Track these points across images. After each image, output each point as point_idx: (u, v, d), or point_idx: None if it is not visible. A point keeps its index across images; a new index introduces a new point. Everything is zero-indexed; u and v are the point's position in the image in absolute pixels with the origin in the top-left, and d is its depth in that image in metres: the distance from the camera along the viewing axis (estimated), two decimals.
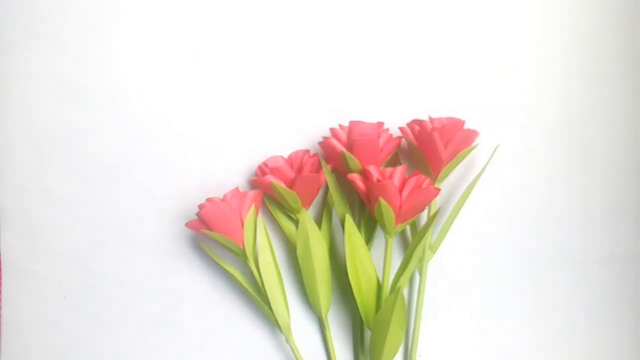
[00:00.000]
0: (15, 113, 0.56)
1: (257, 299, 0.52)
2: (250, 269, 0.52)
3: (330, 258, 0.52)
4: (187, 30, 0.56)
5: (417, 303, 0.52)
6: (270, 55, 0.56)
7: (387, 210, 0.48)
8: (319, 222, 0.54)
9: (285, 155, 0.53)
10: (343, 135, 0.51)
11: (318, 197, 0.54)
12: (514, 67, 0.56)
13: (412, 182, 0.48)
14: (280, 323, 0.51)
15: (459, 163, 0.51)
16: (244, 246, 0.51)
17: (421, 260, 0.52)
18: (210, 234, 0.50)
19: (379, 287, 0.50)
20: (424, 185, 0.48)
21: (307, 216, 0.51)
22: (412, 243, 0.50)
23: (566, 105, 0.56)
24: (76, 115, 0.56)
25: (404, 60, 0.56)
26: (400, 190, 0.48)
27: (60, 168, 0.55)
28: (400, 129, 0.52)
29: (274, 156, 0.53)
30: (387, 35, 0.56)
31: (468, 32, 0.56)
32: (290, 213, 0.53)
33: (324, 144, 0.52)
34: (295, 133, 0.55)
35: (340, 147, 0.50)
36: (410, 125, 0.51)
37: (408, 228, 0.54)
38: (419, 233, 0.49)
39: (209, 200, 0.51)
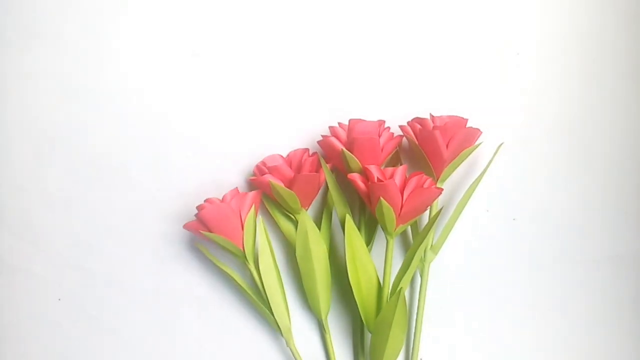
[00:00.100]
0: (15, 113, 0.56)
1: (256, 301, 0.51)
2: (249, 271, 0.51)
3: (330, 259, 0.52)
4: (187, 30, 0.56)
5: (419, 305, 0.52)
6: (270, 55, 0.56)
7: (388, 210, 0.47)
8: (318, 222, 0.54)
9: (284, 155, 0.53)
10: (343, 134, 0.51)
11: (318, 197, 0.54)
12: (514, 67, 0.56)
13: (413, 181, 0.48)
14: (280, 326, 0.51)
15: (461, 162, 0.51)
16: (243, 248, 0.50)
17: (422, 262, 0.52)
18: (210, 236, 0.50)
19: (380, 289, 0.50)
20: (426, 185, 0.48)
21: (307, 216, 0.51)
22: (414, 244, 0.50)
23: (566, 105, 0.56)
24: (76, 115, 0.56)
25: (404, 59, 0.56)
26: (402, 190, 0.48)
27: (60, 168, 0.55)
28: (401, 127, 0.52)
29: (272, 155, 0.53)
30: (388, 34, 0.56)
31: (468, 32, 0.56)
32: (289, 213, 0.53)
33: (324, 142, 0.52)
34: (294, 132, 0.55)
35: (340, 146, 0.50)
36: (411, 123, 0.51)
37: (409, 228, 0.54)
38: (421, 234, 0.49)
39: (207, 200, 0.51)
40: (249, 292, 0.51)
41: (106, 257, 0.55)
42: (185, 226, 0.51)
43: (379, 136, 0.50)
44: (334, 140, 0.51)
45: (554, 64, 0.56)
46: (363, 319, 0.50)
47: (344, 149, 0.49)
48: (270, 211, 0.53)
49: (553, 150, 0.55)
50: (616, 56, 0.56)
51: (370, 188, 0.48)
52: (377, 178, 0.48)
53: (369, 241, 0.53)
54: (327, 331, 0.52)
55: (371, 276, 0.50)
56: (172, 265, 0.54)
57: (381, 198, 0.47)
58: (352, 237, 0.50)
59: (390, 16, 0.56)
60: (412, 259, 0.49)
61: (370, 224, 0.53)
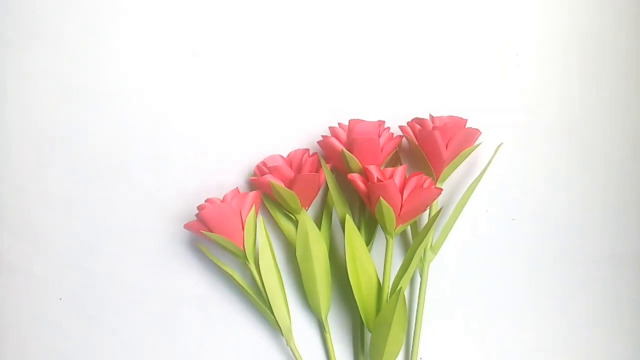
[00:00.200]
0: (15, 113, 0.56)
1: (257, 301, 0.51)
2: (250, 270, 0.51)
3: (330, 259, 0.52)
4: (187, 30, 0.56)
5: (418, 304, 0.52)
6: (270, 55, 0.56)
7: (387, 210, 0.47)
8: (318, 222, 0.54)
9: (285, 155, 0.53)
10: (343, 134, 0.51)
11: (318, 197, 0.54)
12: (514, 67, 0.56)
13: (413, 182, 0.48)
14: (281, 325, 0.51)
15: (461, 162, 0.51)
16: (244, 248, 0.50)
17: (422, 261, 0.52)
18: (210, 236, 0.50)
19: (380, 289, 0.50)
20: (425, 185, 0.48)
21: (307, 216, 0.51)
22: (413, 244, 0.50)
23: (566, 105, 0.56)
24: (76, 115, 0.56)
25: (404, 59, 0.56)
26: (401, 190, 0.48)
27: (60, 168, 0.55)
28: (401, 127, 0.52)
29: (272, 155, 0.53)
30: (387, 35, 0.56)
31: (468, 32, 0.56)
32: (289, 213, 0.53)
33: (324, 143, 0.52)
34: (294, 132, 0.55)
35: (340, 146, 0.50)
36: (411, 124, 0.51)
37: (409, 228, 0.54)
38: (420, 234, 0.49)
39: (208, 200, 0.51)
40: (250, 291, 0.51)
41: (106, 257, 0.55)
42: (186, 226, 0.51)
43: (379, 136, 0.50)
44: (334, 140, 0.51)
45: (554, 64, 0.56)
46: (363, 318, 0.50)
47: (344, 149, 0.50)
48: (271, 211, 0.53)
49: (553, 150, 0.55)
50: (616, 56, 0.56)
51: (370, 188, 0.48)
52: (377, 178, 0.48)
53: (369, 241, 0.53)
54: (327, 330, 0.52)
55: (371, 276, 0.50)
56: (173, 265, 0.54)
57: (381, 198, 0.47)
58: (352, 237, 0.50)
59: (390, 16, 0.56)
60: (411, 258, 0.49)
61: (370, 224, 0.53)
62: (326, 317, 0.52)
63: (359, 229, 0.52)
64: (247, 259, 0.51)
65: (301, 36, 0.56)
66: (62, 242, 0.55)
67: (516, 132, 0.55)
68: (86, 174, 0.55)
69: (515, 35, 0.56)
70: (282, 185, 0.50)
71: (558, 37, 0.56)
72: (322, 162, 0.51)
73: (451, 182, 0.54)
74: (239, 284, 0.52)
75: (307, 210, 0.53)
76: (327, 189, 0.53)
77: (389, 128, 0.52)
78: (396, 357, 0.49)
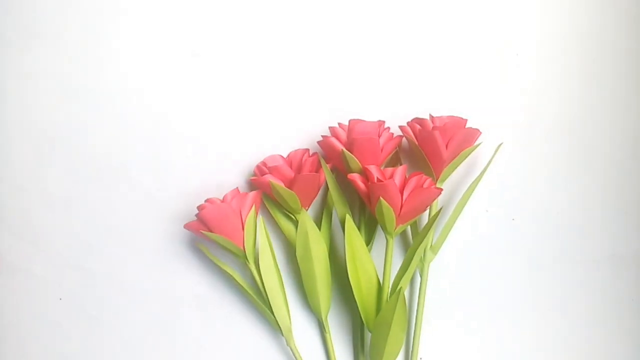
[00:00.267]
0: (15, 113, 0.56)
1: (257, 301, 0.51)
2: (250, 270, 0.51)
3: (330, 259, 0.52)
4: (187, 30, 0.56)
5: (418, 304, 0.52)
6: (270, 55, 0.56)
7: (387, 210, 0.47)
8: (318, 222, 0.54)
9: (285, 155, 0.53)
10: (343, 134, 0.51)
11: (318, 197, 0.54)
12: (514, 67, 0.56)
13: (413, 182, 0.48)
14: (281, 325, 0.51)
15: (461, 162, 0.51)
16: (244, 248, 0.50)
17: (422, 261, 0.52)
18: (210, 236, 0.50)
19: (380, 289, 0.50)
20: (425, 185, 0.48)
21: (307, 216, 0.51)
22: (413, 244, 0.50)
23: (566, 105, 0.56)
24: (76, 115, 0.56)
25: (404, 59, 0.56)
26: (401, 190, 0.48)
27: (60, 168, 0.55)
28: (401, 127, 0.52)
29: (272, 155, 0.53)
30: (387, 35, 0.56)
31: (468, 32, 0.56)
32: (289, 213, 0.53)
33: (324, 143, 0.52)
34: (294, 132, 0.55)
35: (340, 146, 0.50)
36: (411, 124, 0.51)
37: (409, 228, 0.54)
38: (420, 234, 0.49)
39: (208, 200, 0.51)
40: (250, 291, 0.51)
41: (106, 257, 0.55)
42: (186, 226, 0.51)
43: (379, 136, 0.50)
44: (334, 140, 0.51)
45: (554, 64, 0.56)
46: (363, 318, 0.50)
47: (344, 149, 0.50)
48: (271, 211, 0.53)
49: (553, 150, 0.55)
50: (616, 56, 0.56)
51: (370, 188, 0.48)
52: (377, 178, 0.48)
53: (369, 241, 0.53)
54: (327, 330, 0.52)
55: (371, 276, 0.50)
56: (173, 265, 0.54)
57: (381, 198, 0.47)
58: (352, 237, 0.50)
59: (390, 16, 0.56)
60: (411, 258, 0.49)
61: (370, 224, 0.53)
62: (326, 317, 0.52)
63: (359, 229, 0.52)
64: (247, 259, 0.51)
65: (301, 36, 0.56)
66: (62, 242, 0.55)
67: (516, 132, 0.55)
68: (86, 174, 0.55)
69: (515, 35, 0.56)
70: (282, 185, 0.50)
71: (558, 37, 0.56)
72: (322, 162, 0.51)
73: (451, 182, 0.54)
74: (239, 284, 0.52)
75: (307, 210, 0.53)
76: (327, 189, 0.53)
77: (389, 128, 0.52)
78: (396, 357, 0.49)
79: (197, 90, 0.56)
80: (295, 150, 0.53)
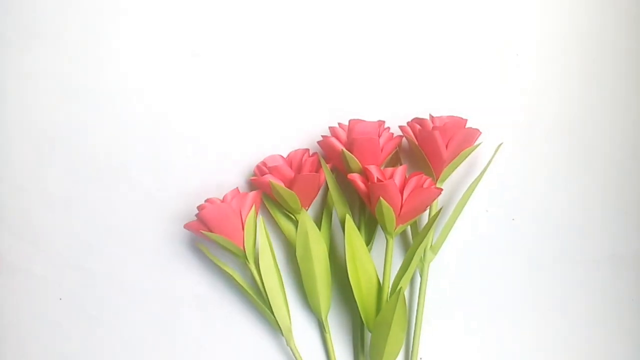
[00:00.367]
0: (15, 113, 0.56)
1: (257, 301, 0.51)
2: (250, 270, 0.51)
3: (330, 259, 0.52)
4: (187, 30, 0.56)
5: (418, 304, 0.52)
6: (270, 55, 0.56)
7: (387, 210, 0.47)
8: (318, 222, 0.54)
9: (285, 155, 0.53)
10: (343, 134, 0.51)
11: (318, 197, 0.54)
12: (514, 67, 0.56)
13: (413, 182, 0.48)
14: (281, 325, 0.51)
15: (461, 162, 0.51)
16: (244, 248, 0.50)
17: (422, 261, 0.52)
18: (210, 236, 0.50)
19: (380, 289, 0.50)
20: (425, 185, 0.48)
21: (307, 216, 0.51)
22: (413, 244, 0.50)
23: (566, 105, 0.56)
24: (76, 115, 0.56)
25: (404, 59, 0.56)
26: (401, 190, 0.48)
27: (60, 168, 0.55)
28: (401, 127, 0.52)
29: (272, 155, 0.53)
30: (387, 35, 0.56)
31: (468, 32, 0.56)
32: (289, 213, 0.53)
33: (324, 143, 0.52)
34: (294, 132, 0.55)
35: (340, 146, 0.50)
36: (411, 124, 0.51)
37: (409, 228, 0.54)
38: (420, 234, 0.49)
39: (208, 200, 0.51)
40: (250, 291, 0.51)
41: (106, 257, 0.55)
42: (186, 226, 0.51)
43: (379, 136, 0.50)
44: (334, 140, 0.51)
45: (554, 64, 0.56)
46: (363, 318, 0.50)
47: (344, 149, 0.50)
48: (271, 211, 0.53)
49: (553, 150, 0.55)
50: (616, 56, 0.56)
51: (370, 188, 0.48)
52: (377, 178, 0.48)
53: (369, 241, 0.53)
54: (327, 330, 0.52)
55: (371, 276, 0.50)
56: (173, 265, 0.54)
57: (381, 198, 0.47)
58: (352, 237, 0.50)
59: (390, 16, 0.56)
60: (411, 258, 0.49)
61: (370, 224, 0.53)
62: (326, 317, 0.52)
63: (359, 229, 0.52)
64: (247, 259, 0.51)
65: (301, 36, 0.56)
66: (62, 242, 0.55)
67: (516, 132, 0.55)
68: (86, 174, 0.55)
69: (515, 35, 0.56)
70: (282, 185, 0.50)
71: (558, 37, 0.56)
72: (322, 162, 0.51)
73: (451, 182, 0.54)
74: (239, 284, 0.52)
75: (307, 210, 0.53)
76: (327, 189, 0.53)
77: (389, 128, 0.52)
78: (396, 357, 0.49)
79: (197, 90, 0.56)
80: (295, 150, 0.53)
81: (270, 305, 0.51)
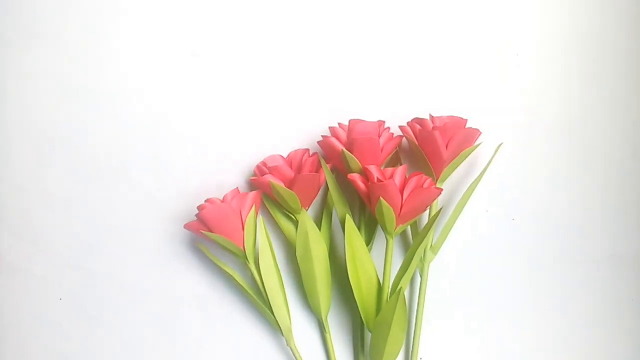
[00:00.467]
0: (15, 113, 0.56)
1: (257, 301, 0.51)
2: (250, 270, 0.51)
3: (330, 259, 0.52)
4: (187, 30, 0.56)
5: (418, 304, 0.52)
6: (270, 55, 0.56)
7: (387, 210, 0.47)
8: (318, 222, 0.54)
9: (285, 155, 0.53)
10: (343, 134, 0.51)
11: (318, 197, 0.54)
12: (514, 67, 0.56)
13: (413, 182, 0.48)
14: (281, 325, 0.51)
15: (461, 162, 0.51)
16: (244, 248, 0.50)
17: (422, 261, 0.52)
18: (210, 236, 0.50)
19: (380, 289, 0.50)
20: (425, 185, 0.48)
21: (307, 216, 0.51)
22: (413, 244, 0.50)
23: (566, 105, 0.56)
24: (76, 115, 0.56)
25: (404, 59, 0.56)
26: (401, 190, 0.48)
27: (60, 168, 0.55)
28: (401, 127, 0.52)
29: (272, 155, 0.53)
30: (387, 35, 0.56)
31: (468, 32, 0.56)
32: (289, 213, 0.53)
33: (324, 143, 0.52)
34: (294, 132, 0.55)
35: (340, 146, 0.50)
36: (411, 124, 0.51)
37: (409, 228, 0.54)
38: (420, 234, 0.49)
39: (208, 200, 0.51)
40: (250, 291, 0.51)
41: (106, 257, 0.55)
42: (186, 226, 0.51)
43: (379, 136, 0.50)
44: (334, 140, 0.51)
45: (554, 64, 0.56)
46: (363, 318, 0.50)
47: (344, 149, 0.50)
48: (271, 211, 0.53)
49: (553, 150, 0.55)
50: (616, 56, 0.56)
51: (370, 188, 0.48)
52: (377, 178, 0.48)
53: (369, 241, 0.53)
54: (327, 330, 0.52)
55: (371, 276, 0.50)
56: (173, 265, 0.54)
57: (381, 198, 0.47)
58: (352, 237, 0.50)
59: (390, 16, 0.56)
60: (411, 258, 0.49)
61: (370, 224, 0.53)
62: (326, 317, 0.52)
63: (359, 229, 0.52)
64: (247, 259, 0.51)
65: (301, 36, 0.56)
66: (62, 242, 0.55)
67: (516, 132, 0.55)
68: (86, 174, 0.55)
69: (515, 35, 0.56)
70: (282, 185, 0.50)
71: (558, 37, 0.56)
72: (322, 162, 0.51)
73: (451, 182, 0.54)
74: (239, 284, 0.52)
75: (307, 210, 0.53)
76: (327, 189, 0.53)
77: (389, 128, 0.52)
78: (396, 357, 0.49)
79: (197, 90, 0.56)
80: (295, 150, 0.53)
81: (270, 305, 0.51)
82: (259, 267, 0.51)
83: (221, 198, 0.51)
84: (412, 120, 0.51)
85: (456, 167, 0.51)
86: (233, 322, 0.54)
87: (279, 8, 0.56)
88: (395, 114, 0.53)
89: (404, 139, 0.53)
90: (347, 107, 0.55)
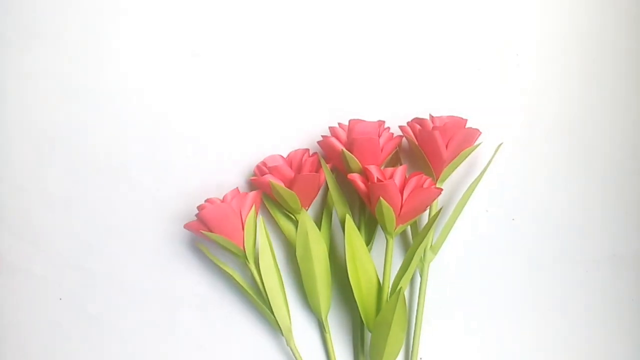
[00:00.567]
0: (15, 113, 0.56)
1: (257, 301, 0.51)
2: (250, 270, 0.51)
3: (330, 259, 0.52)
4: (187, 30, 0.56)
5: (418, 304, 0.52)
6: (270, 55, 0.56)
7: (387, 210, 0.47)
8: (318, 222, 0.54)
9: (285, 155, 0.53)
10: (343, 134, 0.51)
11: (318, 197, 0.54)
12: (514, 67, 0.56)
13: (413, 182, 0.48)
14: (281, 325, 0.51)
15: (461, 162, 0.51)
16: (244, 248, 0.50)
17: (422, 261, 0.52)
18: (210, 236, 0.50)
19: (380, 289, 0.50)
20: (425, 185, 0.48)
21: (307, 216, 0.51)
22: (413, 244, 0.50)
23: (566, 105, 0.56)
24: (76, 115, 0.56)
25: (404, 60, 0.56)
26: (401, 190, 0.48)
27: (60, 168, 0.55)
28: (401, 127, 0.52)
29: (272, 155, 0.53)
30: (387, 35, 0.56)
31: (468, 32, 0.56)
32: (289, 213, 0.53)
33: (324, 143, 0.52)
34: (294, 132, 0.55)
35: (339, 146, 0.50)
36: (411, 124, 0.51)
37: (409, 228, 0.54)
38: (420, 234, 0.49)
39: (208, 200, 0.51)
40: (250, 291, 0.51)
41: (106, 257, 0.55)
42: (186, 226, 0.51)
43: (379, 136, 0.50)
44: (334, 140, 0.51)
45: (554, 64, 0.56)
46: (363, 318, 0.50)
47: (344, 149, 0.50)
48: (271, 211, 0.53)
49: (553, 150, 0.55)
50: (616, 56, 0.56)
51: (370, 188, 0.48)
52: (377, 178, 0.48)
53: (369, 241, 0.53)
54: (327, 330, 0.52)
55: (371, 276, 0.50)
56: (173, 265, 0.54)
57: (381, 198, 0.47)
58: (352, 237, 0.50)
59: (390, 16, 0.56)
60: (411, 258, 0.49)
61: (370, 224, 0.53)
62: (326, 317, 0.52)
63: (359, 229, 0.52)
64: (247, 259, 0.51)
65: (301, 36, 0.56)
66: (62, 242, 0.55)
67: (516, 132, 0.55)
68: (86, 174, 0.55)
69: (515, 35, 0.56)
70: (282, 185, 0.50)
71: (558, 37, 0.56)
72: (322, 162, 0.51)
73: (451, 182, 0.54)
74: (239, 284, 0.52)
75: (307, 210, 0.53)
76: (327, 189, 0.53)
77: (389, 128, 0.52)
78: (396, 357, 0.49)
79: (197, 90, 0.56)
80: (295, 150, 0.53)
81: (270, 305, 0.51)
82: (259, 267, 0.51)
83: (221, 198, 0.51)
84: (412, 120, 0.51)
85: (456, 167, 0.51)
86: (233, 322, 0.54)
87: (278, 8, 0.56)
88: (395, 114, 0.53)
89: (404, 139, 0.53)
90: (347, 107, 0.55)
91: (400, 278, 0.49)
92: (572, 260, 0.54)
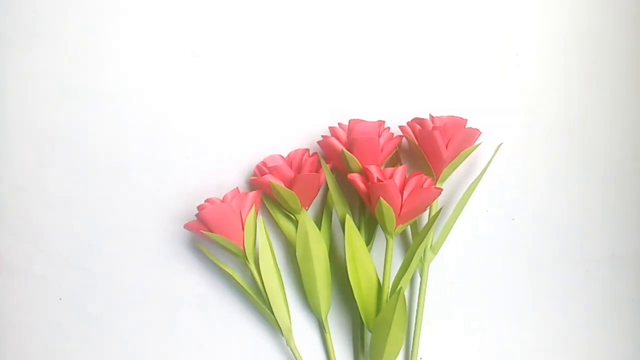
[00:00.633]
0: (15, 113, 0.56)
1: (257, 301, 0.51)
2: (250, 270, 0.51)
3: (330, 259, 0.52)
4: (187, 30, 0.56)
5: (418, 304, 0.52)
6: (270, 55, 0.56)
7: (387, 210, 0.47)
8: (318, 222, 0.54)
9: (285, 155, 0.53)
10: (343, 134, 0.51)
11: (318, 197, 0.54)
12: (514, 67, 0.56)
13: (413, 182, 0.48)
14: (281, 325, 0.51)
15: (461, 162, 0.51)
16: (244, 248, 0.50)
17: (422, 261, 0.52)
18: (210, 236, 0.50)
19: (380, 289, 0.50)
20: (425, 185, 0.48)
21: (307, 216, 0.51)
22: (413, 244, 0.50)
23: (566, 105, 0.56)
24: (76, 115, 0.56)
25: (404, 60, 0.56)
26: (401, 190, 0.48)
27: (60, 168, 0.55)
28: (401, 127, 0.52)
29: (272, 155, 0.53)
30: (387, 35, 0.56)
31: (468, 32, 0.56)
32: (289, 213, 0.53)
33: (324, 143, 0.52)
34: (294, 132, 0.55)
35: (339, 146, 0.50)
36: (411, 124, 0.51)
37: (409, 228, 0.54)
38: (420, 234, 0.49)
39: (208, 200, 0.51)
40: (250, 291, 0.51)
41: (106, 257, 0.55)
42: (186, 226, 0.51)
43: (379, 136, 0.50)
44: (334, 140, 0.51)
45: (554, 64, 0.56)
46: (363, 318, 0.50)
47: (344, 149, 0.50)
48: (271, 211, 0.53)
49: (553, 150, 0.55)
50: (616, 56, 0.56)
51: (370, 188, 0.48)
52: (377, 178, 0.48)
53: (369, 241, 0.53)
54: (327, 330, 0.52)
55: (371, 276, 0.50)
56: (173, 265, 0.54)
57: (381, 198, 0.47)
58: (352, 237, 0.50)
59: (390, 16, 0.56)
60: (411, 258, 0.49)
61: (370, 224, 0.53)
62: (326, 317, 0.52)
63: (359, 229, 0.52)
64: (247, 259, 0.51)
65: (301, 36, 0.56)
66: (62, 242, 0.55)
67: (516, 132, 0.55)
68: (86, 174, 0.55)
69: (515, 35, 0.56)
70: (282, 185, 0.50)
71: (558, 37, 0.56)
72: (322, 162, 0.51)
73: (451, 182, 0.54)
74: (239, 284, 0.52)
75: (307, 210, 0.53)
76: (327, 189, 0.53)
77: (389, 128, 0.52)
78: (396, 357, 0.49)
79: (197, 90, 0.56)
80: (295, 150, 0.53)
81: (270, 305, 0.51)
82: (259, 267, 0.51)
83: (221, 198, 0.51)
84: (412, 120, 0.51)
85: (456, 167, 0.51)
86: (233, 322, 0.54)
87: (278, 8, 0.56)
88: (395, 114, 0.53)
89: (404, 139, 0.53)
90: (347, 107, 0.55)
91: (400, 278, 0.49)
92: (572, 260, 0.54)
